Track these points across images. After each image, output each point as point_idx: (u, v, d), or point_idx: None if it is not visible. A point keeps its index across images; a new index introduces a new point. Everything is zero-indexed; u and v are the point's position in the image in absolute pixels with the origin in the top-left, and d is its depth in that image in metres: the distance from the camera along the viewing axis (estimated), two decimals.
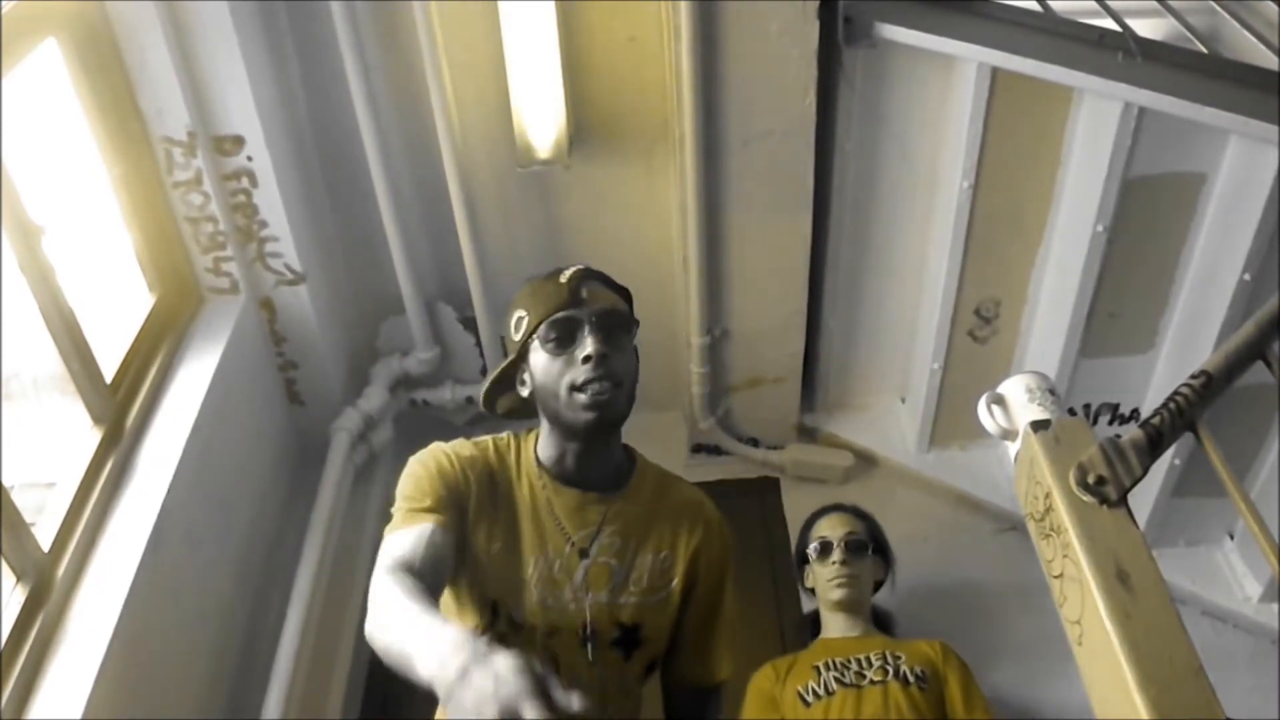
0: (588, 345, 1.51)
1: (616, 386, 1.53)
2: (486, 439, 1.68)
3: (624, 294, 1.64)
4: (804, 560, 2.65)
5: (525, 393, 1.62)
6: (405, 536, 1.49)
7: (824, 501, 2.76)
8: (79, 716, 1.77)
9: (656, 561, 1.64)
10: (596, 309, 1.55)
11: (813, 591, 2.64)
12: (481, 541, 1.59)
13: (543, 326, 1.55)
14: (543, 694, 1.10)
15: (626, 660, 1.63)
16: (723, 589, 1.72)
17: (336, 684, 2.61)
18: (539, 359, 1.56)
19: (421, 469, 1.59)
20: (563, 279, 1.57)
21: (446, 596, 1.62)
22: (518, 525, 1.60)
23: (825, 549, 2.57)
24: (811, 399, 3.38)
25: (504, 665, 1.13)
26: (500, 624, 1.58)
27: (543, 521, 1.60)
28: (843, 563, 2.54)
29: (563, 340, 1.53)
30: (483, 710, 1.11)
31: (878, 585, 2.66)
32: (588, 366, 1.51)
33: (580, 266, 1.61)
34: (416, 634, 1.26)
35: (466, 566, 1.59)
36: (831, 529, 2.61)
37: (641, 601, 1.63)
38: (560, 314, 1.54)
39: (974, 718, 2.35)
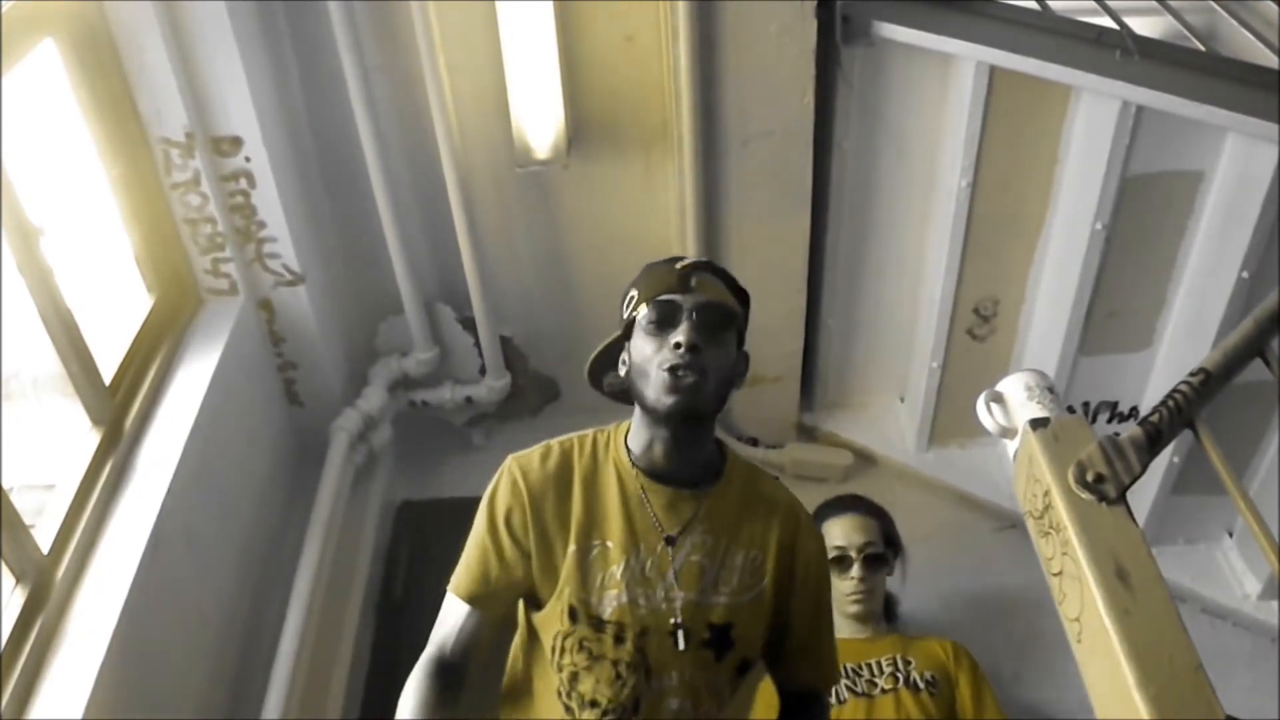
0: (681, 332, 1.53)
1: (702, 378, 1.53)
2: (571, 437, 1.69)
3: (740, 295, 1.66)
4: None
5: (623, 372, 1.63)
6: (451, 617, 1.65)
7: (824, 500, 2.73)
8: (79, 717, 1.77)
9: (747, 560, 1.64)
10: (700, 300, 1.56)
11: None
12: (560, 549, 1.60)
13: (645, 306, 1.57)
14: None
15: (718, 661, 1.61)
16: (823, 590, 1.72)
17: (336, 684, 2.61)
18: (638, 339, 1.58)
19: (488, 519, 1.63)
20: (678, 265, 1.60)
21: (523, 613, 1.68)
22: (605, 524, 1.61)
23: (843, 561, 2.51)
24: (810, 398, 3.39)
25: None
26: (581, 627, 1.58)
27: (634, 517, 1.61)
28: (861, 579, 2.49)
29: (662, 323, 1.55)
30: None
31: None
32: (677, 352, 1.52)
33: (702, 259, 1.65)
34: None
35: (541, 580, 1.61)
36: (847, 537, 2.54)
37: (732, 601, 1.62)
38: (664, 296, 1.56)
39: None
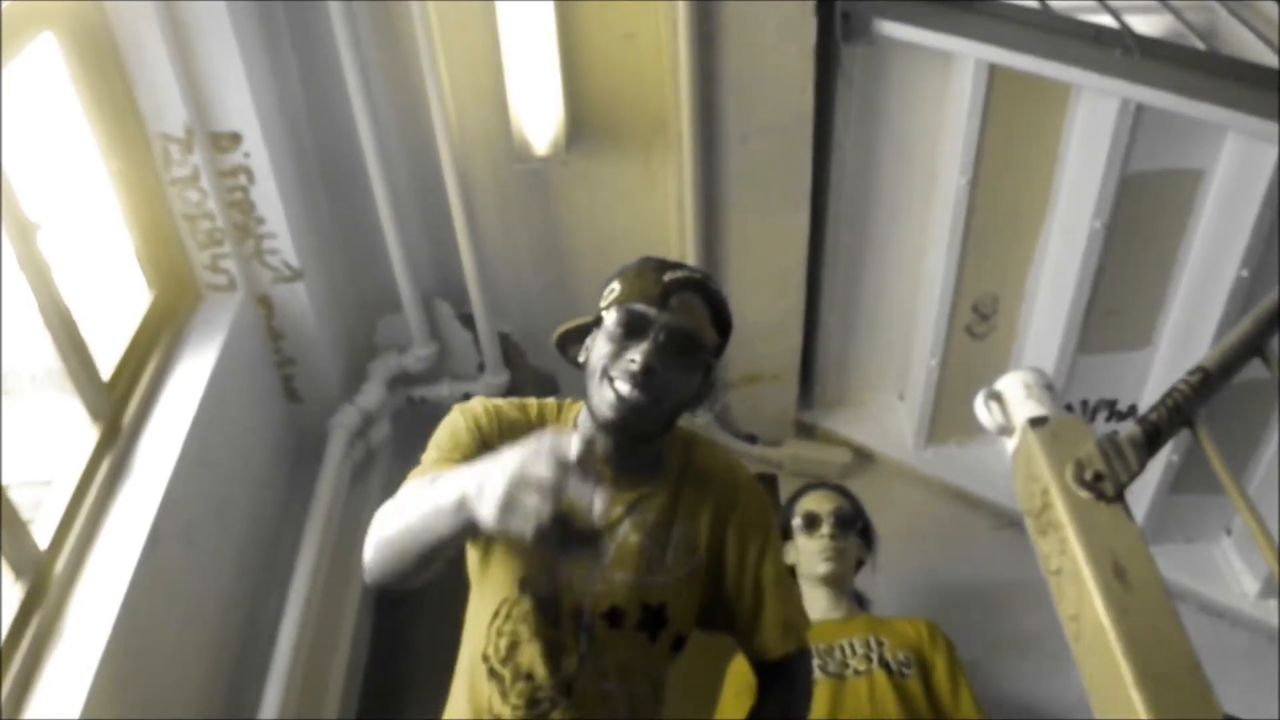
0: (641, 351, 1.46)
1: (652, 403, 1.47)
2: (532, 400, 1.64)
3: (723, 324, 1.57)
4: (786, 535, 2.60)
5: (581, 359, 1.56)
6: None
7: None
8: (77, 715, 1.77)
9: (683, 535, 1.59)
10: (673, 323, 1.48)
11: (793, 570, 2.57)
12: None
13: (618, 309, 1.50)
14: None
15: (653, 642, 1.58)
16: (763, 561, 1.63)
17: (334, 681, 2.61)
18: (602, 337, 1.51)
19: (460, 419, 1.57)
20: (666, 276, 1.52)
21: (473, 566, 1.60)
22: None
23: (812, 522, 2.56)
24: (809, 395, 3.39)
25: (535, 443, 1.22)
26: (526, 599, 1.55)
27: (573, 497, 1.57)
28: (831, 536, 2.53)
29: (628, 332, 1.48)
30: (531, 467, 1.19)
31: (858, 565, 2.64)
32: (631, 369, 1.46)
33: (693, 275, 1.55)
34: (437, 486, 1.33)
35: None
36: (818, 504, 2.60)
37: (668, 580, 1.57)
38: (638, 306, 1.49)
39: (960, 708, 2.33)
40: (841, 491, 2.68)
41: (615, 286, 1.54)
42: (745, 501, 1.64)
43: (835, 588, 2.53)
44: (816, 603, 2.53)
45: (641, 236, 3.00)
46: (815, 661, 2.35)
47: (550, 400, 1.66)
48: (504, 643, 1.56)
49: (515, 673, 1.55)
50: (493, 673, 1.57)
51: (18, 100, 2.07)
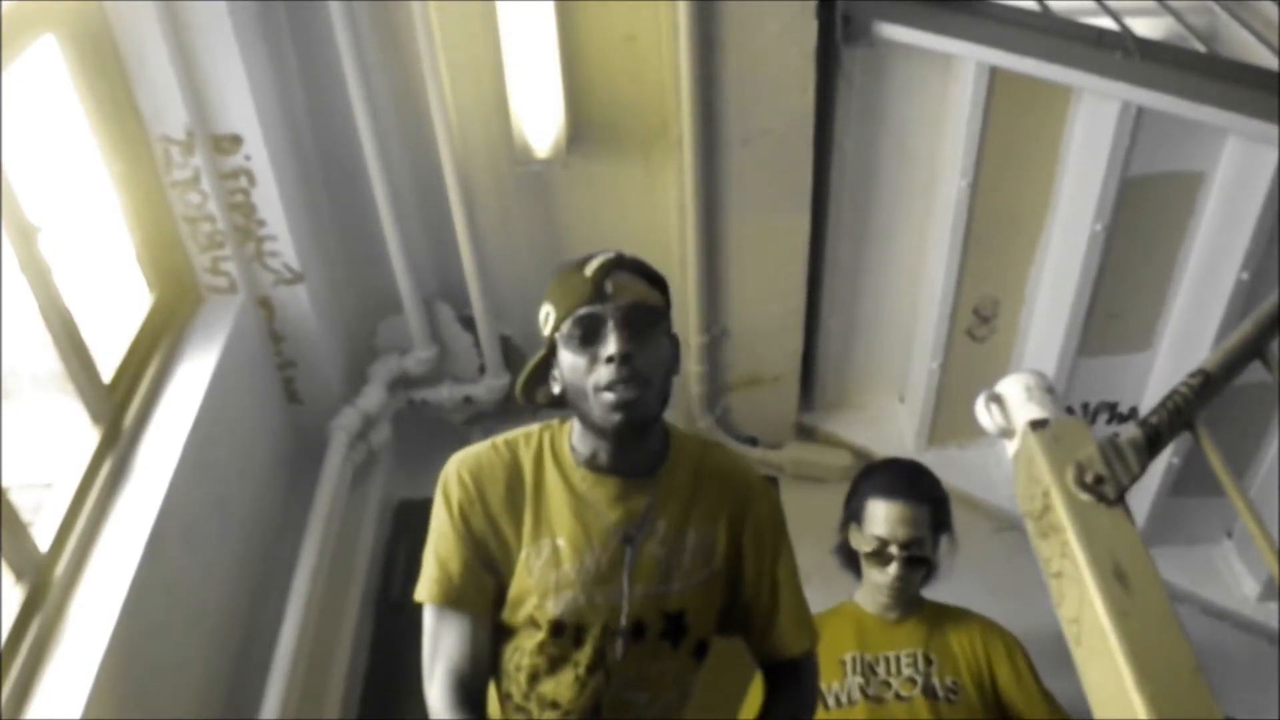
0: (610, 344, 1.44)
1: (644, 386, 1.45)
2: (517, 434, 1.62)
3: (657, 283, 1.55)
4: (852, 519, 2.35)
5: (557, 390, 1.55)
6: (450, 637, 1.56)
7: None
8: (78, 716, 1.77)
9: (699, 541, 1.59)
10: (621, 304, 1.46)
11: (855, 556, 2.37)
12: (515, 549, 1.56)
13: (566, 323, 1.48)
14: None
15: (675, 649, 1.58)
16: (778, 561, 1.65)
17: (335, 683, 2.61)
18: (565, 356, 1.49)
19: (447, 517, 1.56)
20: (587, 271, 1.49)
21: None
22: (555, 522, 1.55)
23: (882, 555, 2.27)
24: (810, 398, 3.39)
25: None
26: (540, 632, 1.55)
27: (585, 515, 1.55)
28: (898, 577, 2.27)
29: (587, 338, 1.46)
30: None
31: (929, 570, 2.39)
32: (611, 367, 1.44)
33: (608, 256, 1.51)
34: None
35: (505, 575, 1.56)
36: (891, 530, 2.25)
37: (685, 587, 1.57)
38: (583, 310, 1.46)
39: (1032, 708, 2.24)
40: (924, 498, 2.30)
41: (549, 309, 1.52)
42: (759, 504, 1.65)
43: (892, 607, 2.37)
44: (872, 599, 2.37)
45: (642, 239, 3.00)
46: (858, 678, 2.26)
47: (533, 429, 1.63)
48: (524, 676, 1.58)
49: (540, 703, 1.57)
50: (519, 709, 1.58)
51: (19, 103, 2.07)
